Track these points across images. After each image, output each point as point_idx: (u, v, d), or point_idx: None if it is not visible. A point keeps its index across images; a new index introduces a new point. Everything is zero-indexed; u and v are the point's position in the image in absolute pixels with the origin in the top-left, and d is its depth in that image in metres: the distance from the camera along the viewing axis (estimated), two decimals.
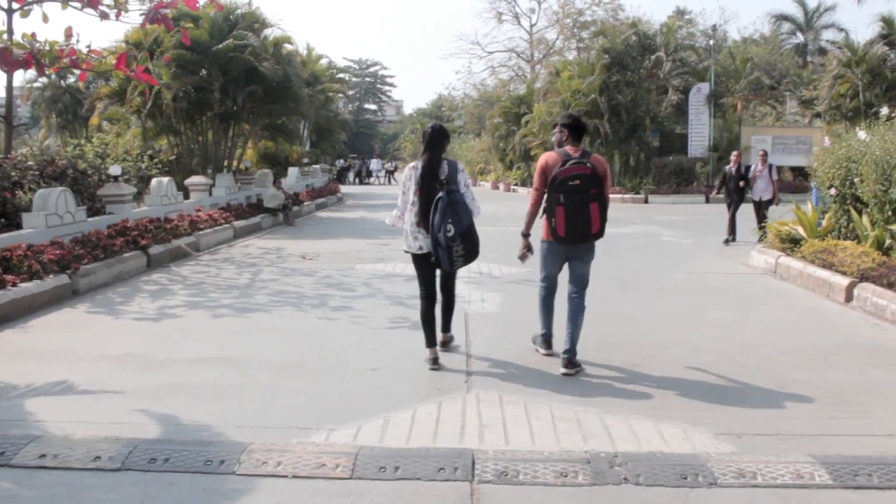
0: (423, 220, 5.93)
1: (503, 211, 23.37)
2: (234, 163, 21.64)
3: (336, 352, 6.57)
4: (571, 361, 5.91)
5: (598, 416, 4.96)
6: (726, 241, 14.69)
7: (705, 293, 9.68)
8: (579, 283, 6.16)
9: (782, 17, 56.35)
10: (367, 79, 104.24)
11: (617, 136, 28.78)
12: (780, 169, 28.81)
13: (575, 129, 6.03)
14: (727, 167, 15.44)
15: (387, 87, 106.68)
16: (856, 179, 10.56)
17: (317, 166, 32.48)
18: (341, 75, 36.12)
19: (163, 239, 12.11)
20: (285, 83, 19.30)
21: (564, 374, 5.85)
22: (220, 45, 17.80)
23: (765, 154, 15.13)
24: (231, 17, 19.24)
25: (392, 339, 7.07)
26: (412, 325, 7.54)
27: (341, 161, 54.57)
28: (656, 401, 5.33)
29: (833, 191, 11.46)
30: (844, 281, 9.17)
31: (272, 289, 9.66)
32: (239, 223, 16.05)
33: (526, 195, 30.34)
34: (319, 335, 7.18)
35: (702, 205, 26.33)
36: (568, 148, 5.94)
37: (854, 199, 11.19)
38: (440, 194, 5.80)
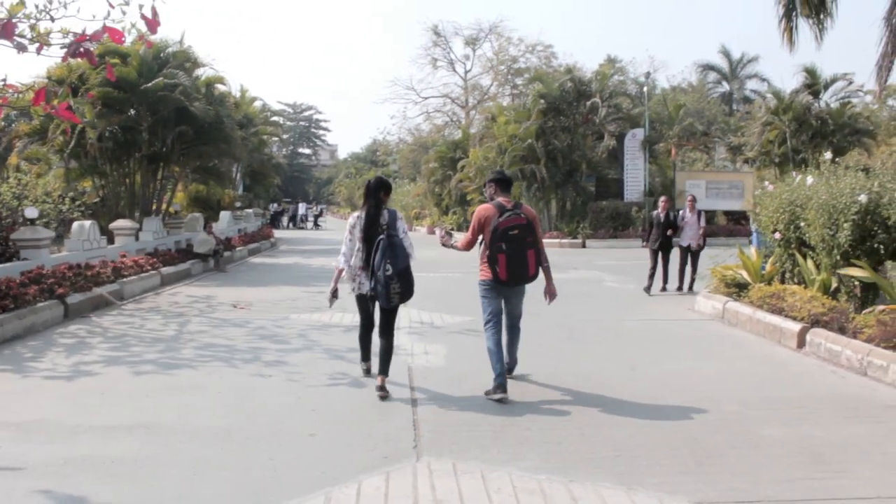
0: (367, 265, 6.61)
1: (441, 257, 23.00)
2: (164, 206, 20.74)
3: (270, 415, 5.95)
4: (511, 371, 6.96)
5: (563, 486, 4.48)
6: (647, 289, 13.72)
7: (659, 342, 9.36)
8: (515, 317, 6.96)
9: (709, 67, 58.25)
10: (302, 123, 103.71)
11: (553, 181, 28.81)
12: (713, 213, 29.44)
13: (502, 182, 6.77)
14: (654, 212, 14.56)
15: (321, 132, 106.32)
16: (801, 223, 10.47)
17: (250, 210, 31.67)
18: (275, 118, 35.58)
19: (82, 287, 11.28)
20: (217, 124, 18.64)
21: (498, 399, 6.30)
22: (150, 84, 17.05)
23: (693, 200, 14.60)
24: (161, 55, 18.52)
25: (331, 399, 6.48)
26: (352, 382, 7.01)
27: (275, 205, 53.64)
28: (624, 464, 4.89)
29: (777, 235, 11.38)
30: (796, 327, 8.98)
31: (201, 341, 8.95)
32: (167, 270, 15.22)
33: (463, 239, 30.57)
34: (252, 395, 6.54)
35: (639, 249, 26.28)
36: (501, 200, 6.58)
37: (799, 243, 11.11)
38: (380, 237, 6.49)
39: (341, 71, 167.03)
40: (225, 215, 25.92)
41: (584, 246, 27.13)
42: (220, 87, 20.64)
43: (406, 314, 10.73)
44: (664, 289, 13.96)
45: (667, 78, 53.56)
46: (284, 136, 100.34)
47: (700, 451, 5.17)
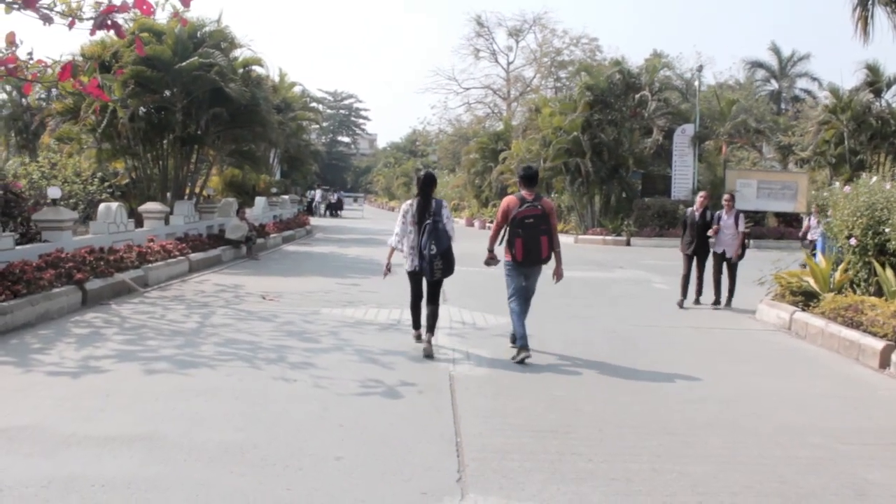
0: (416, 244, 7.83)
1: (480, 251, 22.16)
2: (197, 190, 20.19)
3: (291, 429, 5.21)
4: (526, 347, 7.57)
5: None
6: (680, 303, 11.88)
7: (721, 354, 8.49)
8: (529, 293, 7.97)
9: (757, 64, 56.49)
10: (342, 111, 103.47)
11: (598, 176, 27.84)
12: (764, 215, 28.23)
13: (526, 178, 7.85)
14: (689, 210, 12.50)
15: (361, 121, 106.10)
16: (886, 229, 9.50)
17: (286, 196, 31.12)
18: (315, 104, 34.89)
19: (103, 272, 10.69)
20: (253, 107, 17.99)
21: (521, 360, 7.45)
22: (184, 63, 16.42)
23: (731, 199, 12.38)
24: (198, 34, 17.90)
25: (362, 411, 5.72)
26: (386, 392, 6.25)
27: (312, 192, 53.14)
28: None
29: (853, 241, 10.41)
30: (879, 344, 8.07)
31: (223, 336, 8.27)
32: (196, 256, 14.63)
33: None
34: (272, 403, 5.80)
35: None
36: (524, 192, 7.73)
37: (878, 251, 10.15)
38: (427, 222, 7.70)
39: (382, 60, 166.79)
40: (260, 201, 25.39)
41: (628, 244, 26.14)
42: (258, 69, 19.96)
43: (447, 313, 9.99)
44: (697, 301, 12.13)
45: (713, 75, 51.99)
46: (324, 124, 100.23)
47: (793, 497, 4.34)
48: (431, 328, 7.89)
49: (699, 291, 12.24)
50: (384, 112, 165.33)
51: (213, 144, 19.19)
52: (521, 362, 7.38)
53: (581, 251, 23.53)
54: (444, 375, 6.87)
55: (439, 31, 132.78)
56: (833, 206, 12.17)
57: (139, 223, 15.60)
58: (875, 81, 28.20)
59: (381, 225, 37.44)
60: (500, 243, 7.79)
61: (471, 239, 29.32)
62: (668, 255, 22.67)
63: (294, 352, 7.62)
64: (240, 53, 19.14)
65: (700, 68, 28.07)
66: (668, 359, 8.02)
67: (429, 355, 7.56)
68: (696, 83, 29.31)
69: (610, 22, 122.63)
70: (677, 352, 8.48)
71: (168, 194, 18.26)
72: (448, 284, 9.83)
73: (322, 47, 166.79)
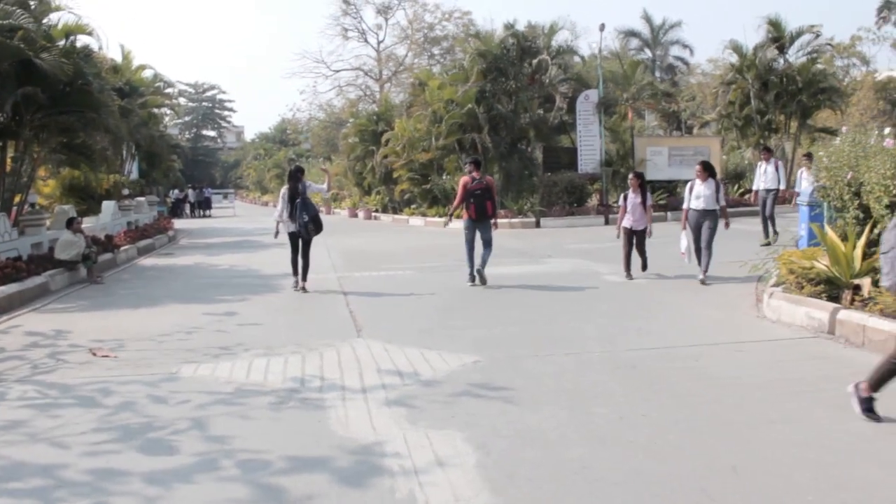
0: (290, 215, 11.21)
1: (384, 246, 18.90)
2: (17, 198, 15.67)
3: None
4: (481, 273, 11.28)
5: None
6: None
7: (763, 390, 5.66)
8: (486, 240, 11.35)
9: (631, 33, 55.62)
10: (205, 103, 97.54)
11: (498, 151, 25.01)
12: (676, 184, 26.24)
13: (476, 163, 11.50)
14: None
15: (226, 112, 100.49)
16: None
17: (142, 199, 26.61)
18: (170, 90, 30.33)
19: None
20: (81, 87, 13.95)
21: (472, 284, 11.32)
22: None
23: (638, 176, 12.05)
24: None
25: None
26: None
27: (176, 191, 48.04)
28: None
29: None
30: None
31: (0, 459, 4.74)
32: (3, 290, 10.68)
33: (391, 223, 30.90)
34: None
35: (602, 227, 22.90)
36: (474, 174, 11.23)
37: None
38: (298, 200, 11.19)
39: (244, 46, 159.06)
40: (108, 206, 21.04)
41: (538, 225, 23.43)
42: (86, 39, 15.68)
43: (367, 354, 6.88)
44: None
45: (588, 45, 50.45)
46: (186, 118, 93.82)
47: None
48: (304, 276, 11.46)
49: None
50: (250, 102, 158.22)
51: (31, 137, 14.93)
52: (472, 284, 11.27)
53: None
54: None
55: (303, 11, 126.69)
56: (825, 170, 9.96)
57: None
58: (779, 37, 26.64)
59: (256, 223, 33.35)
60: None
61: (363, 233, 25.86)
62: (586, 235, 20.19)
63: (128, 483, 4.21)
64: (58, 19, 14.91)
65: (602, 27, 25.63)
66: (702, 409, 5.10)
67: (305, 291, 11.26)
68: (598, 42, 26.93)
69: None
70: (702, 389, 5.58)
71: None
72: (357, 303, 10.30)
73: (175, 34, 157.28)
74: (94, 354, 7.38)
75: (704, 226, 11.09)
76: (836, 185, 9.97)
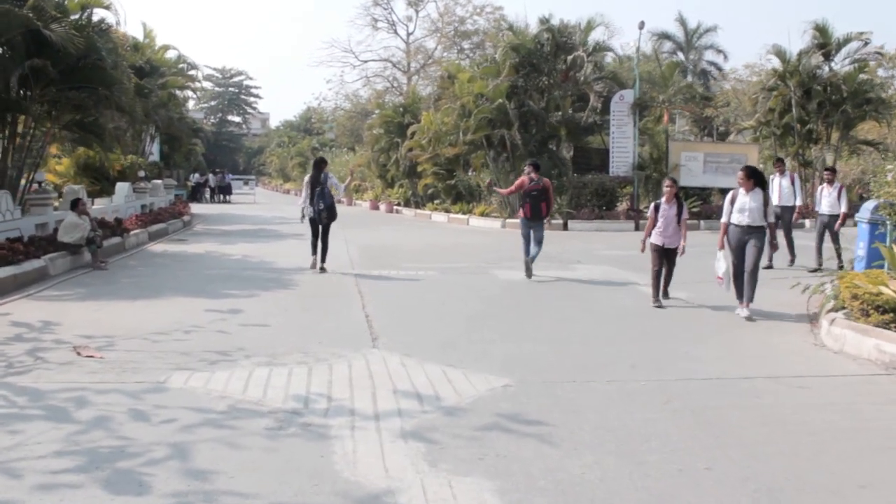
0: (311, 201, 12.27)
1: (405, 243, 18.06)
2: (27, 176, 14.98)
3: None
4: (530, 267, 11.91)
5: None
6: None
7: (845, 441, 4.79)
8: (538, 239, 11.97)
9: (664, 36, 54.33)
10: (231, 89, 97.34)
11: (527, 149, 24.04)
12: (710, 192, 25.24)
13: (535, 165, 12.12)
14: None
15: (252, 99, 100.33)
16: None
17: (158, 182, 25.93)
18: (194, 72, 29.61)
19: None
20: (94, 62, 13.23)
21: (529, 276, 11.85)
22: None
23: (673, 184, 10.11)
24: None
25: None
26: None
27: (196, 175, 47.39)
28: None
29: None
30: None
31: None
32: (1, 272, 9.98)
33: (413, 217, 30.58)
34: None
35: (631, 233, 21.97)
36: (533, 175, 11.83)
37: None
38: (318, 189, 12.20)
39: (273, 34, 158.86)
40: (122, 188, 20.39)
41: (565, 228, 22.52)
42: (103, 12, 14.84)
43: (382, 369, 6.13)
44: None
45: (621, 46, 49.43)
46: (212, 103, 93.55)
47: None
48: (324, 258, 12.46)
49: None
50: (277, 89, 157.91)
51: (42, 113, 14.23)
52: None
53: (513, 237, 19.69)
54: None
55: (334, 0, 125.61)
56: None
57: None
58: (825, 44, 25.48)
59: (276, 211, 32.66)
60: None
61: (383, 226, 24.94)
62: (616, 240, 19.28)
63: None
64: None
65: (642, 24, 24.59)
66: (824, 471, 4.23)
67: (323, 271, 12.30)
68: (637, 41, 25.92)
69: None
70: (805, 443, 4.72)
71: None
72: (374, 305, 9.44)
73: (205, 20, 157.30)
74: (79, 354, 6.61)
75: (749, 245, 9.08)
76: None
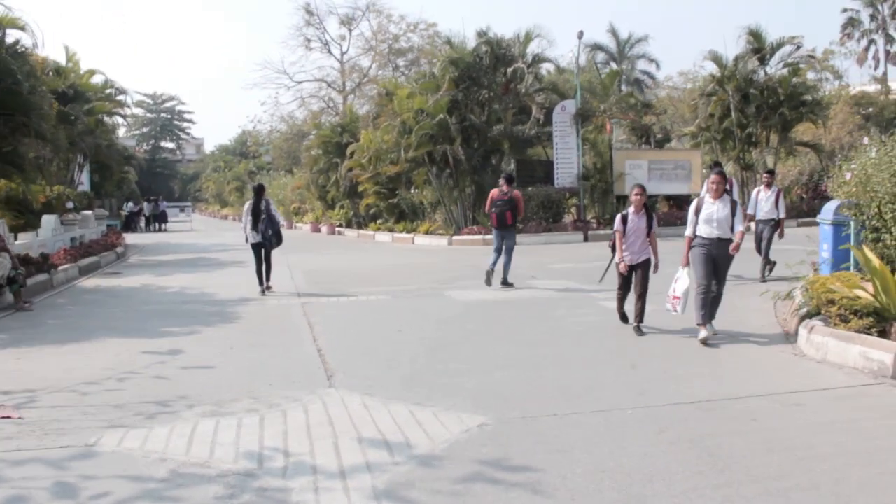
0: (254, 227, 12.71)
1: (351, 266, 17.36)
2: None
3: None
4: (490, 275, 12.52)
5: None
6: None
7: (859, 467, 4.38)
8: (508, 248, 12.77)
9: (597, 47, 54.80)
10: (164, 115, 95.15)
11: (470, 164, 23.67)
12: (655, 199, 25.17)
13: (508, 178, 13.16)
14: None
15: (185, 124, 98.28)
16: None
17: (89, 212, 24.72)
18: (122, 97, 28.40)
19: None
20: (9, 86, 12.29)
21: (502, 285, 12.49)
22: None
23: (642, 191, 8.82)
24: None
25: None
26: None
27: (130, 204, 45.83)
28: None
29: None
30: None
31: None
32: None
33: (356, 238, 29.83)
34: None
35: (581, 244, 21.76)
36: (504, 187, 12.78)
37: None
38: (263, 216, 12.65)
39: (205, 57, 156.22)
40: (48, 220, 19.22)
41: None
42: (19, 34, 13.93)
43: (343, 413, 5.48)
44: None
45: (557, 58, 49.64)
46: (145, 130, 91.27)
47: None
48: (269, 276, 12.92)
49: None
50: (210, 113, 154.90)
51: None
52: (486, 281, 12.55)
53: (461, 255, 19.31)
54: None
55: (265, 22, 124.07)
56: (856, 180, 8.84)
57: None
58: (760, 48, 25.76)
59: (214, 238, 31.56)
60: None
61: (330, 249, 23.97)
62: (565, 253, 19.03)
63: None
64: None
65: (581, 34, 24.47)
66: None
67: (269, 290, 12.78)
68: (577, 51, 25.78)
69: (445, 5, 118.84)
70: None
71: None
72: (325, 337, 8.85)
73: (134, 47, 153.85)
74: None
75: (721, 260, 8.18)
76: (874, 201, 8.85)
